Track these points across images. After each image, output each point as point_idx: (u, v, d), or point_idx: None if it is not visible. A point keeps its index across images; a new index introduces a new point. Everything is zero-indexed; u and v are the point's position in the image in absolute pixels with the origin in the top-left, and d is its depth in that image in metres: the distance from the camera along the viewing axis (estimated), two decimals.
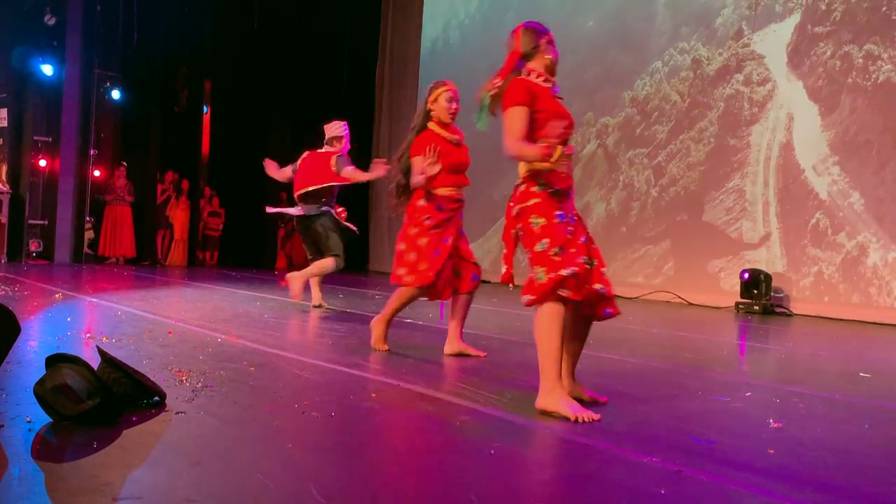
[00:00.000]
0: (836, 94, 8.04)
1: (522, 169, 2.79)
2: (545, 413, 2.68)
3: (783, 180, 8.41)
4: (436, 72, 13.23)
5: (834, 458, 2.38)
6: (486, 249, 11.20)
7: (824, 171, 8.05)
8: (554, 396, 2.67)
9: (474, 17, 12.84)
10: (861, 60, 7.83)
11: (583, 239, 2.78)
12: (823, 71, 8.14)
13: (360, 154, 14.60)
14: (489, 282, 11.83)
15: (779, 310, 8.16)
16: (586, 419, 2.59)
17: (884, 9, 7.74)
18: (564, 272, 2.64)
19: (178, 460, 2.00)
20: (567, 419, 2.60)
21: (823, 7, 8.23)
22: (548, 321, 2.68)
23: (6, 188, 11.44)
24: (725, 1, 9.19)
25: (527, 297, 2.72)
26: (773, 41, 8.70)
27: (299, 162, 6.40)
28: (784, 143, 8.45)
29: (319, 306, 6.29)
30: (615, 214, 10.19)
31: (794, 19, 8.50)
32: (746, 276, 8.14)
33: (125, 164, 12.54)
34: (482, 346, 4.32)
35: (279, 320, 5.31)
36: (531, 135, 2.76)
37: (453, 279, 4.03)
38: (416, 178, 3.91)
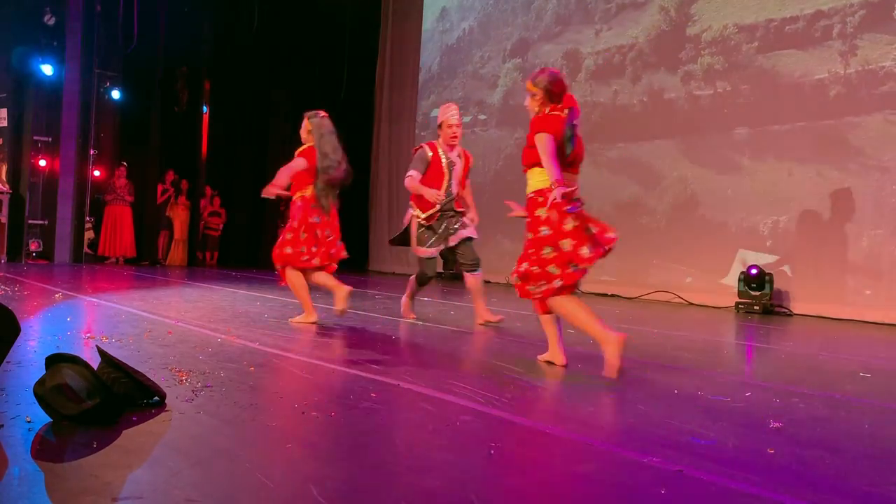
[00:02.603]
0: None
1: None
2: None
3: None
4: (435, 73, 13.25)
5: (834, 458, 2.38)
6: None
7: None
8: None
9: (470, 27, 12.87)
10: None
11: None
12: None
13: (360, 154, 14.67)
14: (489, 281, 11.84)
15: (779, 310, 8.17)
16: None
17: None
18: None
19: (178, 460, 2.00)
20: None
21: None
22: None
23: (6, 188, 11.44)
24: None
25: None
26: None
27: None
28: None
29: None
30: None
31: None
32: (755, 271, 8.09)
33: (125, 164, 12.54)
34: (482, 346, 4.33)
35: (279, 320, 5.31)
36: None
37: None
38: None
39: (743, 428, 2.75)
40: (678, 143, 9.22)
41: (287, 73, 13.97)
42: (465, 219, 5.39)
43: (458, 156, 5.43)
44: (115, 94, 12.48)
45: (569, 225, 3.53)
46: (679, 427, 2.65)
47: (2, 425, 2.21)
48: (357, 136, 14.90)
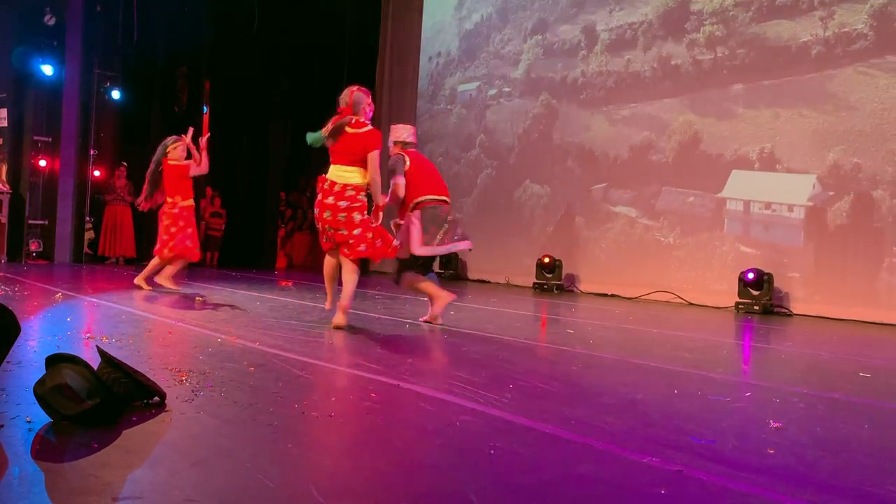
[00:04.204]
0: None
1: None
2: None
3: None
4: (456, 56, 13.33)
5: (834, 458, 2.38)
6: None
7: None
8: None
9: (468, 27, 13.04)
10: None
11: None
12: None
13: None
14: (489, 282, 11.83)
15: (779, 310, 8.17)
16: None
17: None
18: None
19: (178, 460, 2.00)
20: None
21: None
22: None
23: (6, 188, 11.44)
24: None
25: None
26: None
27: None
28: None
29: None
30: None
31: None
32: (751, 275, 8.14)
33: (125, 164, 12.54)
34: (482, 346, 4.33)
35: (279, 320, 5.31)
36: None
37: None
38: None
39: (743, 428, 2.75)
40: (683, 100, 10.10)
41: (287, 72, 13.96)
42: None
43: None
44: (115, 94, 12.47)
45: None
46: (679, 427, 2.65)
47: (2, 425, 2.21)
48: None
